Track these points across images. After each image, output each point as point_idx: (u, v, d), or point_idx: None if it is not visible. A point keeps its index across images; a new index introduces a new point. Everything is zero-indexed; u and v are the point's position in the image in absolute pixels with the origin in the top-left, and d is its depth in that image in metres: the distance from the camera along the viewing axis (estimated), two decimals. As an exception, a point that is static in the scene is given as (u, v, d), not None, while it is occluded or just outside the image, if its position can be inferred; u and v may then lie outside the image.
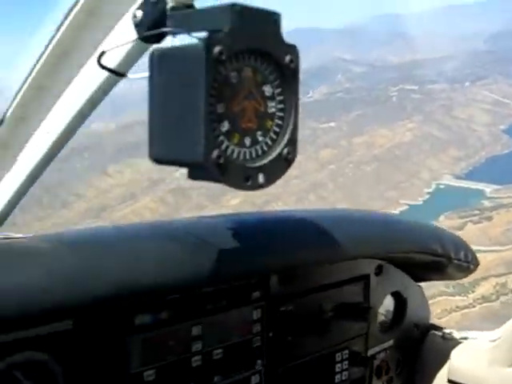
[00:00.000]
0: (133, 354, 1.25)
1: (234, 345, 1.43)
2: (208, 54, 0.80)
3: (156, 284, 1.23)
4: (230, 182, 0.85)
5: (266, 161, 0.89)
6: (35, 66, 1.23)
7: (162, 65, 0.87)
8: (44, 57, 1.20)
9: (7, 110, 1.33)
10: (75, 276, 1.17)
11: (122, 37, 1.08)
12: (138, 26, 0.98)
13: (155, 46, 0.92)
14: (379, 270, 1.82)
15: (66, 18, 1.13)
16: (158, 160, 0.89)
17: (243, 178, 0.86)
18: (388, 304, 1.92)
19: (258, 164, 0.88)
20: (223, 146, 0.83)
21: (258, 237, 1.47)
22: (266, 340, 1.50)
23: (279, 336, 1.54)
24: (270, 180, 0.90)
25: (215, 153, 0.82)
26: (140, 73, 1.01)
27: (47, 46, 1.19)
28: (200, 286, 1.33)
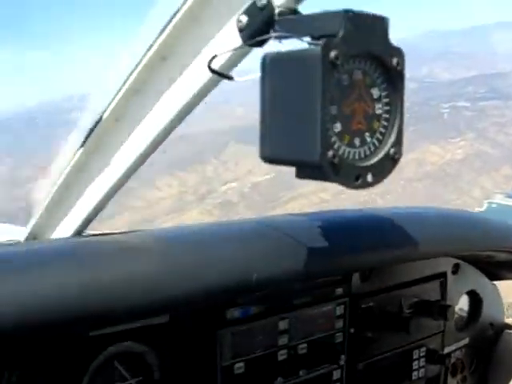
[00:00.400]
0: (224, 347, 1.31)
1: (318, 340, 1.48)
2: (325, 58, 0.83)
3: (246, 280, 1.27)
4: (342, 181, 0.88)
5: (373, 161, 0.92)
6: (135, 68, 1.27)
7: (275, 68, 0.91)
8: (144, 60, 1.24)
9: (104, 110, 1.37)
10: (173, 272, 1.22)
11: (222, 42, 1.13)
12: (242, 30, 1.02)
13: (268, 51, 0.96)
14: (456, 269, 1.85)
15: (168, 23, 1.17)
16: (269, 159, 0.93)
17: (354, 177, 0.90)
18: (463, 302, 1.94)
19: (366, 164, 0.91)
20: (336, 146, 0.87)
21: (342, 235, 1.50)
22: (348, 336, 1.54)
23: (360, 332, 1.58)
24: (378, 179, 0.93)
25: (330, 153, 0.85)
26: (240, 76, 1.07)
27: (148, 50, 1.23)
28: (288, 282, 1.37)
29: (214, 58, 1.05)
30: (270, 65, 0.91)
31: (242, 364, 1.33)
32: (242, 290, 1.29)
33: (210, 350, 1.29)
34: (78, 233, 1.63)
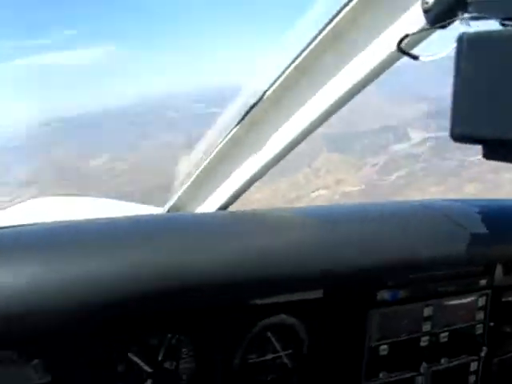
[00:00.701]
0: (372, 328, 1.32)
1: (459, 329, 1.47)
2: None
3: (400, 262, 1.29)
4: None
5: None
6: (304, 49, 1.28)
7: (472, 47, 0.92)
8: (316, 41, 1.26)
9: (266, 90, 1.39)
10: (328, 246, 1.25)
11: (400, 23, 1.14)
12: (427, 11, 1.03)
13: (464, 31, 0.97)
14: None
15: (345, 5, 1.19)
16: (461, 137, 0.94)
17: None
18: None
19: None
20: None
21: (493, 224, 1.50)
22: (487, 329, 1.52)
23: (499, 326, 1.56)
24: None
25: None
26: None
27: (321, 31, 1.24)
28: (439, 266, 1.37)
29: (405, 37, 1.06)
30: (467, 44, 0.93)
31: (386, 346, 1.35)
32: (396, 270, 1.30)
33: (360, 330, 1.31)
34: (223, 208, 1.69)
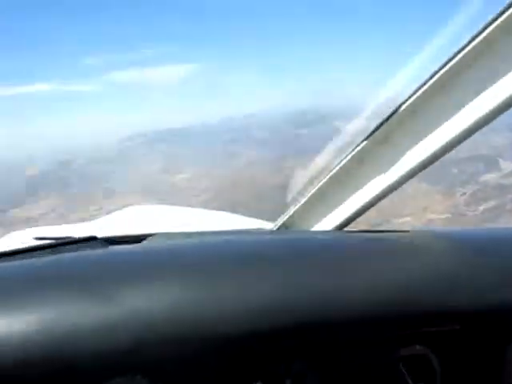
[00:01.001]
0: (510, 365, 1.22)
1: None
2: None
3: None
4: None
5: None
6: (450, 60, 1.21)
7: None
8: (460, 54, 1.19)
9: (402, 103, 1.33)
10: (469, 278, 1.17)
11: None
12: None
13: None
14: None
15: (497, 18, 1.12)
16: None
17: None
18: None
19: None
20: None
21: None
22: None
23: None
24: None
25: None
26: None
27: (469, 43, 1.17)
28: None
29: None
30: None
31: None
32: None
33: (497, 365, 1.21)
34: (340, 228, 1.62)
